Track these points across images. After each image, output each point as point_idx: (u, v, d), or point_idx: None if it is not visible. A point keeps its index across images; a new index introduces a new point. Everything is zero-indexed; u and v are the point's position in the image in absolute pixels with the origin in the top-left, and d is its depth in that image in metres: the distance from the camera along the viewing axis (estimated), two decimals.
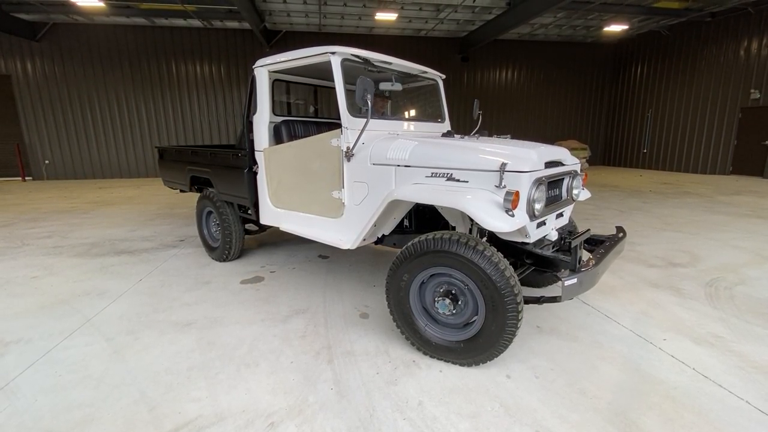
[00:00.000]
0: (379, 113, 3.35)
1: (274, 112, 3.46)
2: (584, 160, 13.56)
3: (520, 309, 1.93)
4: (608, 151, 16.71)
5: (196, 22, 12.46)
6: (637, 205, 7.08)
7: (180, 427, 1.72)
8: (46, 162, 12.85)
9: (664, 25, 13.22)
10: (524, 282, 3.11)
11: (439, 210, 2.62)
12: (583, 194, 2.85)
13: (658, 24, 13.18)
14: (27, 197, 8.92)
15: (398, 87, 3.33)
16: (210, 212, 4.19)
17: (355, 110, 2.73)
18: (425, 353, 2.26)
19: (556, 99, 15.99)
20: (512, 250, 2.36)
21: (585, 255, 2.42)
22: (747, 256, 4.07)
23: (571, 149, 12.26)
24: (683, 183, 10.42)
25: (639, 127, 15.06)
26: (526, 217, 2.05)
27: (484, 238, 2.35)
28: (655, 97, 14.34)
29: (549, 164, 2.31)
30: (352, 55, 2.79)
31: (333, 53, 2.70)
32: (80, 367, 2.19)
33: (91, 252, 4.46)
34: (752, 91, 11.35)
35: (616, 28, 13.27)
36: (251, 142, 3.39)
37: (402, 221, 2.90)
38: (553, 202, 2.45)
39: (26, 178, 12.80)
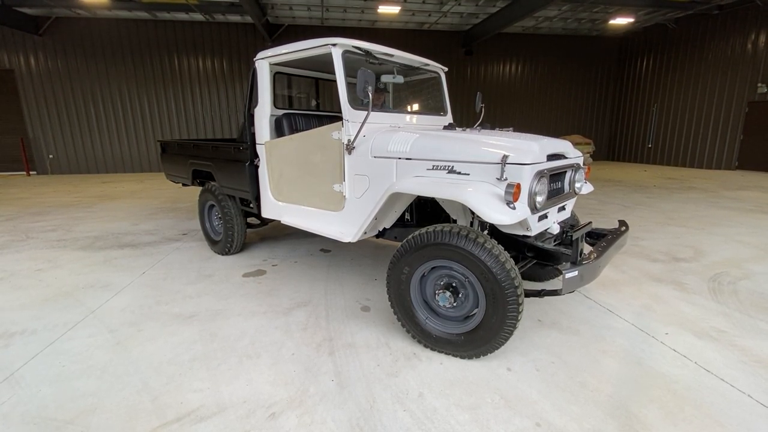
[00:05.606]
0: (377, 106, 3.33)
1: (275, 105, 3.45)
2: (588, 155, 13.47)
3: (520, 302, 1.92)
4: (612, 146, 16.58)
5: (198, 16, 12.42)
6: (641, 200, 7.03)
7: (182, 417, 1.74)
8: (50, 156, 12.91)
9: (671, 18, 13.05)
10: (526, 276, 3.09)
11: (440, 203, 2.61)
12: (586, 188, 2.83)
13: (664, 17, 13.02)
14: (31, 191, 8.97)
15: (400, 80, 3.31)
16: (212, 206, 4.20)
17: (357, 103, 2.71)
18: (426, 346, 2.26)
19: (560, 93, 15.87)
20: (513, 243, 2.35)
21: (587, 248, 2.41)
22: (751, 251, 4.04)
23: (575, 144, 12.18)
24: (688, 178, 10.33)
25: (644, 122, 14.92)
26: (528, 209, 2.04)
27: (485, 231, 2.34)
28: (661, 92, 14.19)
29: (551, 157, 2.30)
30: (353, 46, 2.77)
31: (334, 45, 2.69)
32: (84, 358, 2.21)
33: (95, 245, 4.49)
34: (759, 85, 11.21)
35: (621, 21, 13.12)
36: (252, 135, 3.39)
37: (403, 214, 2.90)
38: (555, 195, 2.43)
39: (31, 172, 12.88)
